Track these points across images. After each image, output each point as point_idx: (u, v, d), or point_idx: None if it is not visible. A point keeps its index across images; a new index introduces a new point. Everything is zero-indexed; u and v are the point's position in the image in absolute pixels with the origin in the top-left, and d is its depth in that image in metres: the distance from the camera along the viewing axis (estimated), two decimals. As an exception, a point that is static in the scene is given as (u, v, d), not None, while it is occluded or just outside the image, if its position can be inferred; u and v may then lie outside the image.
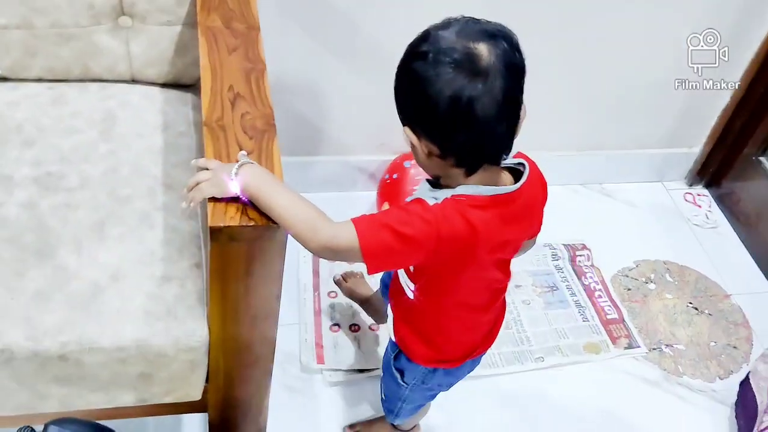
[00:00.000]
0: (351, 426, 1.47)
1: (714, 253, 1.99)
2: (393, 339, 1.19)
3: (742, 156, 2.03)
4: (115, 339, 1.01)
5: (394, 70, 0.93)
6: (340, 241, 0.90)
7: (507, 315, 1.73)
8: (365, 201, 1.91)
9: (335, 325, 1.65)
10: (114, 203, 1.14)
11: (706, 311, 1.84)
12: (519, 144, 0.94)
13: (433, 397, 1.29)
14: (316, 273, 1.75)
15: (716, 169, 2.11)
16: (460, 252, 0.93)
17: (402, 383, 1.21)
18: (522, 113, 0.90)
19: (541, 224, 1.08)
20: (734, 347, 1.76)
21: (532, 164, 1.00)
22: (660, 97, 1.95)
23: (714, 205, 2.13)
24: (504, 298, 1.16)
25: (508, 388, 1.59)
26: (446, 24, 0.88)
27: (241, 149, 0.99)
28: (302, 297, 1.69)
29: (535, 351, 1.67)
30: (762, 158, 1.99)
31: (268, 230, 0.92)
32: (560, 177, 2.04)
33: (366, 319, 1.66)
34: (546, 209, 1.06)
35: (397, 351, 1.18)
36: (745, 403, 1.59)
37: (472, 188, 0.92)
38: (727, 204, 2.11)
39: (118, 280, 1.05)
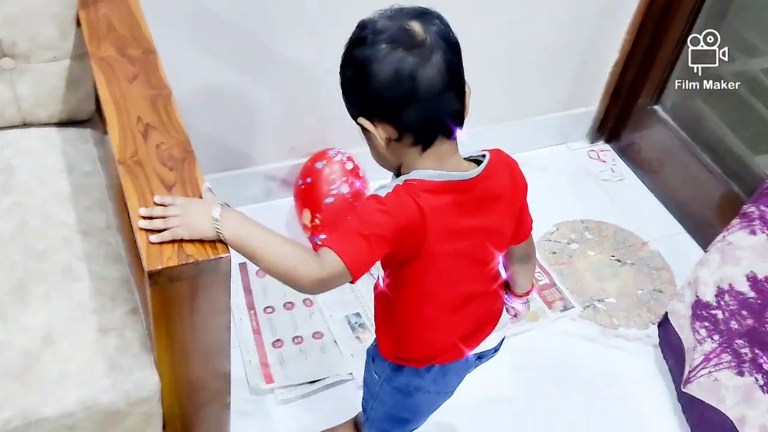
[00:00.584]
0: None
1: (625, 204, 2.07)
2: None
3: (637, 107, 2.11)
4: (59, 406, 0.94)
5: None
6: (329, 269, 0.88)
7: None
8: (282, 209, 1.87)
9: (277, 340, 1.61)
10: (31, 260, 1.06)
11: (629, 261, 1.91)
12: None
13: (405, 420, 1.21)
14: (247, 290, 1.70)
15: (614, 123, 2.19)
16: (412, 237, 0.92)
17: (374, 374, 1.18)
18: (468, 90, 0.92)
19: (527, 227, 1.09)
20: (660, 291, 1.84)
21: (503, 159, 1.01)
22: (551, 63, 1.99)
23: (617, 158, 2.21)
24: (493, 309, 1.12)
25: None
26: (376, 13, 0.91)
27: (163, 184, 0.94)
28: (237, 318, 1.64)
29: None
30: (656, 107, 2.07)
31: (210, 264, 0.87)
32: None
33: (307, 328, 1.63)
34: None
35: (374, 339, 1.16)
36: (669, 342, 1.66)
37: (424, 172, 0.92)
38: (629, 155, 2.19)
39: (52, 343, 0.98)
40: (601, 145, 2.25)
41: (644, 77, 2.05)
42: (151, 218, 0.89)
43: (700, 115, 2.03)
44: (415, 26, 0.88)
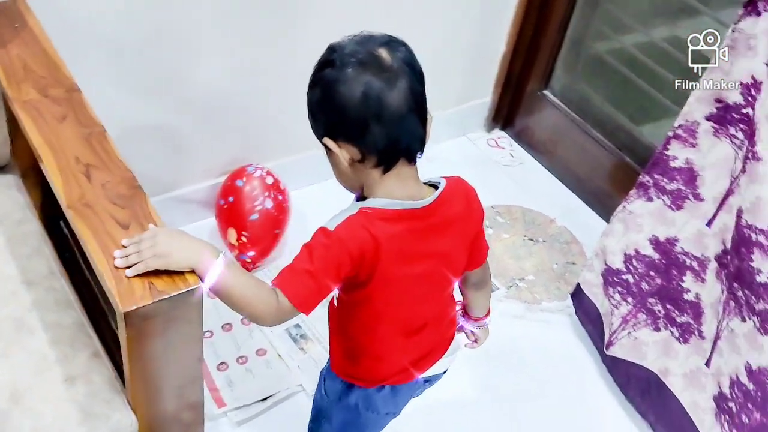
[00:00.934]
0: None
1: (528, 186, 2.19)
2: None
3: (527, 94, 2.24)
4: (39, 461, 0.92)
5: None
6: (282, 308, 0.92)
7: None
8: (203, 230, 1.85)
9: (221, 363, 1.60)
10: (-21, 319, 1.02)
11: (540, 239, 2.03)
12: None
13: None
14: (182, 318, 1.68)
15: (508, 111, 2.31)
16: (366, 264, 0.95)
17: (323, 393, 1.19)
18: (430, 119, 0.96)
19: (482, 253, 1.12)
20: (573, 263, 1.98)
21: (461, 187, 1.04)
22: (444, 61, 2.08)
23: (514, 143, 2.34)
24: (447, 335, 1.15)
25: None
26: (346, 38, 0.95)
27: (118, 223, 0.94)
28: (177, 346, 1.62)
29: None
30: (545, 92, 2.21)
31: (182, 296, 0.89)
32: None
33: (250, 347, 1.63)
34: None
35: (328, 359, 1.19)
36: (585, 310, 1.79)
37: (380, 201, 0.95)
38: (525, 139, 2.32)
39: (19, 400, 0.96)
40: (498, 133, 2.36)
41: (531, 65, 2.18)
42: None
43: (586, 96, 2.19)
44: (383, 53, 0.92)
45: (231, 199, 1.75)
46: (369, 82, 0.90)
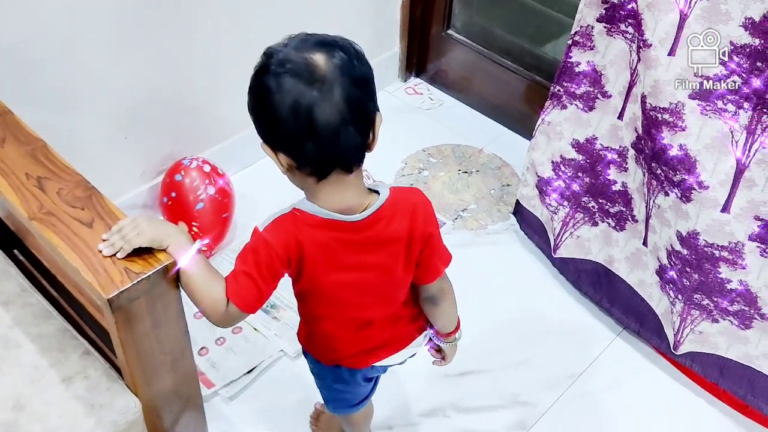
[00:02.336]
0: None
1: (451, 124, 2.29)
2: None
3: (433, 37, 2.33)
4: (59, 457, 0.98)
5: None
6: (229, 311, 0.96)
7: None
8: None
9: (202, 348, 1.66)
10: (-34, 344, 1.06)
11: (474, 170, 2.14)
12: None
13: (343, 398, 1.26)
14: (154, 316, 1.73)
15: (418, 57, 2.40)
16: (293, 264, 0.98)
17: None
18: (377, 119, 0.94)
19: (433, 270, 1.07)
20: (508, 185, 2.09)
21: (408, 201, 1.00)
22: (348, 19, 2.14)
23: (431, 87, 2.43)
24: (403, 332, 1.15)
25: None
26: (285, 40, 0.92)
27: (83, 223, 0.99)
28: (155, 343, 1.67)
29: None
30: (449, 31, 2.30)
31: (159, 274, 0.95)
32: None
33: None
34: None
35: None
36: (528, 223, 1.90)
37: (310, 206, 0.96)
38: (440, 81, 2.42)
39: (23, 408, 1.01)
40: (414, 80, 2.45)
41: (431, 9, 2.27)
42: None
43: (487, 28, 2.29)
44: (319, 59, 0.88)
45: (173, 194, 1.79)
46: (300, 94, 0.87)
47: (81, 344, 1.09)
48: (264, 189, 2.01)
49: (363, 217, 0.96)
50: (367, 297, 1.05)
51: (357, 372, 1.18)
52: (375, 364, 1.16)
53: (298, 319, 1.69)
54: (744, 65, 1.36)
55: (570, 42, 1.63)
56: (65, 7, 1.50)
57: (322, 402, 1.32)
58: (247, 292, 0.96)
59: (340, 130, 0.89)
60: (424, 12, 2.27)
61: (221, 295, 0.95)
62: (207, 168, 1.82)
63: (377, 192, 0.98)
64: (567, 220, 1.77)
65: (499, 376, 1.65)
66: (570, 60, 1.65)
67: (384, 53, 2.34)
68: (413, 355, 1.20)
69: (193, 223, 1.77)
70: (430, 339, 1.22)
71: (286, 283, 1.70)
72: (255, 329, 1.70)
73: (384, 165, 2.11)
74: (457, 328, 1.22)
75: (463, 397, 1.61)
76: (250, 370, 1.62)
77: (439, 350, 1.25)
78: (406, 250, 1.01)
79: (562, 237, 1.79)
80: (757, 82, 1.36)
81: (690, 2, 1.36)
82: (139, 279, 0.92)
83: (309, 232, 0.95)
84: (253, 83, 0.92)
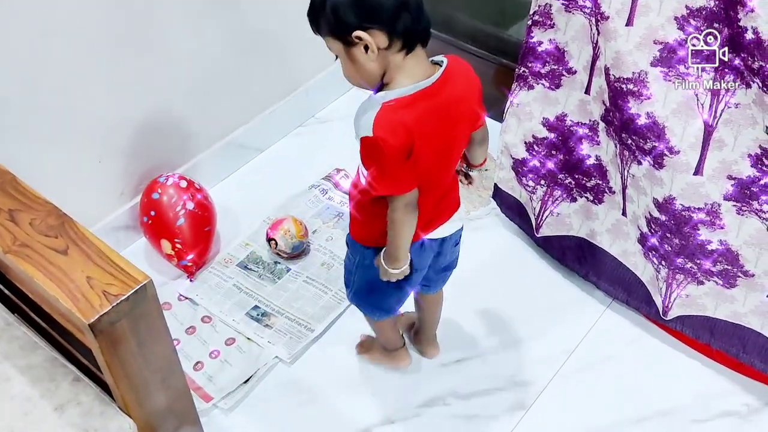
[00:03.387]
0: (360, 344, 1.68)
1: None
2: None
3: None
4: (58, 485, 0.98)
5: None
6: (402, 202, 1.18)
7: (329, 259, 1.88)
8: (138, 251, 1.89)
9: (197, 363, 1.67)
10: (-46, 383, 1.06)
11: (451, 158, 2.14)
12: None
13: (380, 291, 1.39)
14: (146, 336, 1.73)
15: (384, 52, 2.40)
16: (407, 150, 1.12)
17: (350, 256, 1.41)
18: None
19: (479, 116, 1.27)
20: (485, 170, 2.08)
21: (459, 63, 1.20)
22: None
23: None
24: (452, 200, 1.35)
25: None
26: None
27: (58, 251, 0.99)
28: (150, 363, 1.67)
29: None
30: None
31: (137, 294, 0.95)
32: (280, 130, 2.20)
33: (218, 340, 1.70)
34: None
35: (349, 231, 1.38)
36: (509, 205, 1.90)
37: (395, 92, 1.12)
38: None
39: (19, 439, 1.01)
40: (383, 76, 2.45)
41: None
42: None
43: (449, 16, 2.29)
44: None
45: (153, 213, 1.79)
46: None
47: (70, 371, 1.10)
48: (243, 199, 2.02)
49: (437, 77, 1.14)
50: (451, 161, 1.26)
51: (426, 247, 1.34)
52: (426, 237, 1.32)
53: (291, 323, 1.71)
54: (701, 27, 1.38)
55: (530, 22, 1.64)
56: (27, 44, 1.50)
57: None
58: (403, 182, 1.16)
59: (422, 7, 1.11)
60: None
61: (407, 211, 1.20)
62: (183, 183, 1.82)
63: (439, 64, 1.17)
64: (546, 198, 1.78)
65: (495, 359, 1.66)
66: (532, 40, 1.66)
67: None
68: (461, 228, 1.42)
69: (176, 240, 1.78)
70: (457, 172, 1.40)
71: (269, 291, 1.71)
72: (248, 339, 1.70)
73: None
74: (485, 159, 1.44)
75: (461, 384, 1.62)
76: (247, 380, 1.63)
77: (467, 176, 1.45)
78: (469, 105, 1.22)
79: (542, 216, 1.80)
80: (715, 44, 1.37)
81: (641, -29, 1.38)
82: (118, 301, 0.93)
83: (407, 113, 1.11)
84: None
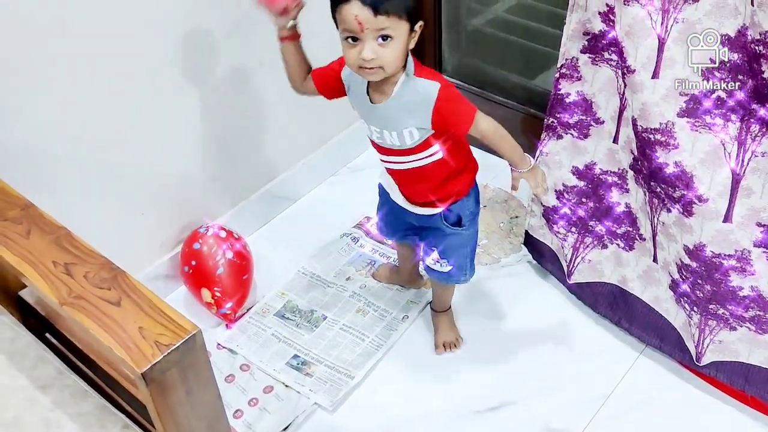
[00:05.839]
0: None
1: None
2: (443, 211, 1.55)
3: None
4: None
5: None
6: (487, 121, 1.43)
7: (364, 306, 1.91)
8: (179, 299, 1.94)
9: (236, 411, 1.69)
10: (8, 430, 1.11)
11: (482, 206, 2.17)
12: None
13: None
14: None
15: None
16: None
17: (463, 232, 1.58)
18: None
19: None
20: (516, 217, 2.13)
21: None
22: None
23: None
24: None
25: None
26: None
27: (111, 303, 1.04)
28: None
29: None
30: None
31: (186, 344, 0.99)
32: (313, 180, 2.26)
33: (256, 388, 1.73)
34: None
35: (448, 212, 1.55)
36: (540, 252, 1.94)
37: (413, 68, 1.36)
38: (438, 124, 2.48)
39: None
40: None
41: (421, 57, 2.33)
42: None
43: (477, 68, 2.36)
44: None
45: (194, 263, 1.85)
46: None
47: (120, 419, 1.14)
48: (277, 247, 2.07)
49: None
50: None
51: None
52: None
53: (331, 372, 1.74)
54: (726, 79, 1.41)
55: (558, 75, 1.69)
56: (68, 103, 1.58)
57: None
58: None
59: None
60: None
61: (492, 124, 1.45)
62: (223, 234, 1.88)
63: None
64: (577, 245, 1.81)
65: (530, 406, 1.67)
66: (559, 92, 1.70)
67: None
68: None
69: (215, 289, 1.83)
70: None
71: (314, 338, 1.73)
72: (286, 386, 1.74)
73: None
74: (528, 164, 1.58)
75: (494, 431, 1.63)
76: (286, 427, 1.65)
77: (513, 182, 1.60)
78: None
79: (574, 262, 1.82)
80: (740, 95, 1.41)
81: (666, 26, 1.42)
82: (169, 351, 0.97)
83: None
84: None
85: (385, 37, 1.25)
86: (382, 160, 1.53)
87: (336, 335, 1.84)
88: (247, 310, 1.91)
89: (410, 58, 1.36)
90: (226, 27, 1.81)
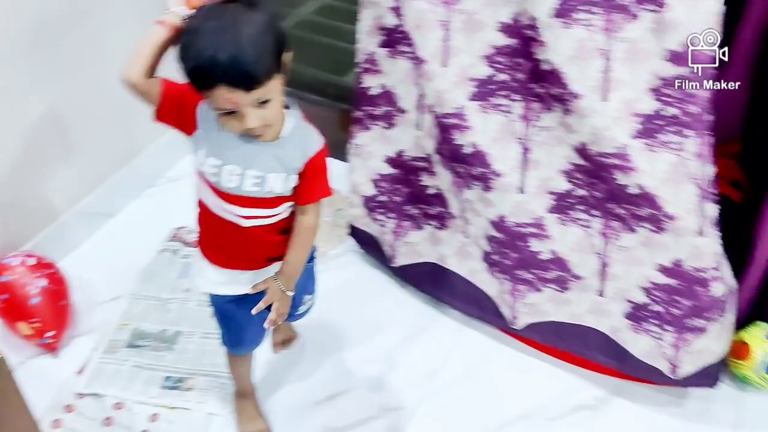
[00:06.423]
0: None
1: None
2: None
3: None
4: None
5: None
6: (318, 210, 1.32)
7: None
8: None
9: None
10: None
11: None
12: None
13: None
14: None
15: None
16: None
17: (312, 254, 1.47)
18: None
19: None
20: (340, 209, 2.18)
21: None
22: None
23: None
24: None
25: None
26: None
27: None
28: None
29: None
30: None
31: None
32: (133, 190, 2.19)
33: (140, 421, 1.66)
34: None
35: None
36: (364, 241, 1.99)
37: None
38: (256, 127, 2.49)
39: None
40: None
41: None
42: None
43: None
44: None
45: (5, 296, 1.74)
46: None
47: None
48: (97, 267, 1.99)
49: None
50: None
51: None
52: None
53: (210, 378, 1.72)
54: (507, 63, 1.54)
55: (359, 70, 1.76)
56: None
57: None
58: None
59: None
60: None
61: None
62: (32, 261, 1.79)
63: None
64: (396, 230, 1.89)
65: (365, 390, 1.73)
66: (363, 86, 1.77)
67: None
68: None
69: (32, 320, 1.73)
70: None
71: (177, 354, 1.67)
72: (172, 408, 1.68)
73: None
74: None
75: (336, 418, 1.67)
76: None
77: None
78: None
79: (395, 247, 1.90)
80: (521, 76, 1.54)
81: (449, 17, 1.52)
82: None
83: None
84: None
85: (264, 102, 1.12)
86: (217, 219, 1.28)
87: (199, 345, 1.81)
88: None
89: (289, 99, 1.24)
90: (22, 39, 1.72)
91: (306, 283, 1.49)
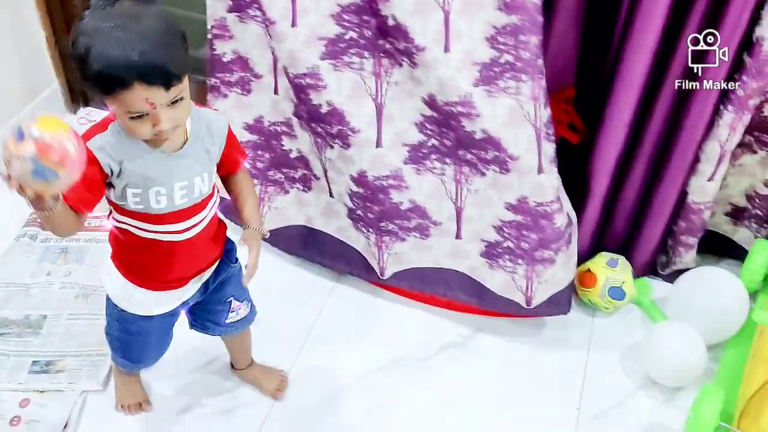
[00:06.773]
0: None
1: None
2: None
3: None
4: None
5: None
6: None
7: (80, 291, 1.83)
8: None
9: None
10: None
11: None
12: None
13: None
14: None
15: (81, 87, 2.38)
16: None
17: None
18: None
19: None
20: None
21: None
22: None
23: (103, 111, 2.37)
24: None
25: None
26: None
27: None
28: None
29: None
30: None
31: None
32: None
33: (9, 408, 1.60)
34: None
35: (229, 247, 1.41)
36: (230, 209, 1.99)
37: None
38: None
39: None
40: (84, 110, 2.41)
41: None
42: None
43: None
44: None
45: None
46: None
47: None
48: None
49: None
50: None
51: None
52: None
53: (81, 358, 1.71)
54: (354, 20, 1.59)
55: (210, 36, 1.76)
56: None
57: None
58: None
59: None
60: (72, 41, 2.27)
61: None
62: None
63: None
64: (262, 196, 1.91)
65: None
66: (215, 52, 1.78)
67: (44, 91, 2.29)
68: None
69: None
70: None
71: (44, 338, 1.58)
72: (42, 391, 1.63)
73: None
74: None
75: (214, 384, 1.69)
76: (65, 426, 1.57)
77: None
78: None
79: (263, 213, 1.93)
80: (368, 33, 1.59)
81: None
82: None
83: None
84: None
85: (177, 101, 1.06)
86: (167, 243, 1.25)
87: (66, 326, 1.76)
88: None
89: None
90: None
91: (234, 290, 1.45)
